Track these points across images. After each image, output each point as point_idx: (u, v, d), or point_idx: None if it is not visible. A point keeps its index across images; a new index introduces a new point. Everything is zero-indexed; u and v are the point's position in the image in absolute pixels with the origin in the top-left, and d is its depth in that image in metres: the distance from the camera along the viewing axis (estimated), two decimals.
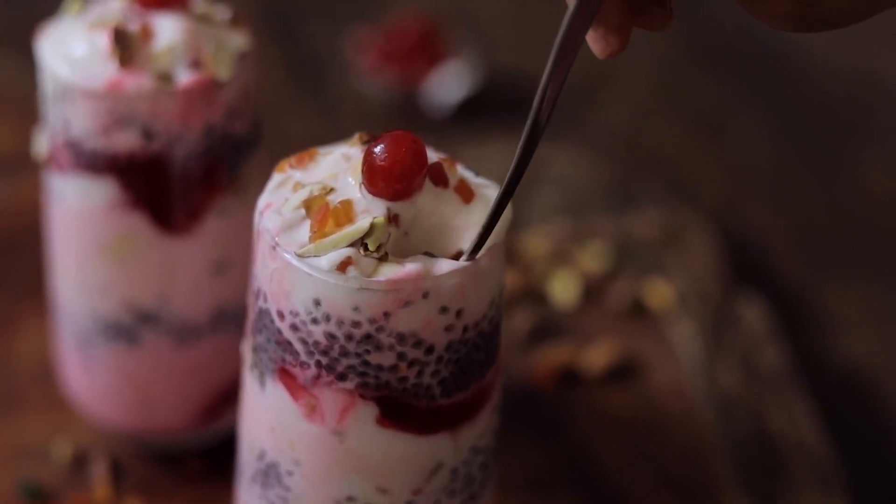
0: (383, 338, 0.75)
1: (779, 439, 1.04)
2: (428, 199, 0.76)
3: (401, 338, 0.75)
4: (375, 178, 0.75)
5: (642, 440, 1.04)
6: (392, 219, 0.75)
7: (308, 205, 0.76)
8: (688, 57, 1.52)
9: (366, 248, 0.74)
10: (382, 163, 0.74)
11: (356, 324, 0.74)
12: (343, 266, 0.73)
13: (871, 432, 1.09)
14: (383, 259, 0.74)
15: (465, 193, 0.78)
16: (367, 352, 0.75)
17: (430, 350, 0.76)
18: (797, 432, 1.04)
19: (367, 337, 0.75)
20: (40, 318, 1.08)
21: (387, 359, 0.75)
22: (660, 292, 1.14)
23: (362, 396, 0.76)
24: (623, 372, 1.09)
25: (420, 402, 0.77)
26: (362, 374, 0.76)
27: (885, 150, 1.39)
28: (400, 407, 0.77)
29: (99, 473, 0.98)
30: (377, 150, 0.74)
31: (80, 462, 1.00)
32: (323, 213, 0.75)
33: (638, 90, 1.48)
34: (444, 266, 0.74)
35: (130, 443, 1.00)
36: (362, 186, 0.76)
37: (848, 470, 1.04)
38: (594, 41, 0.72)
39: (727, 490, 1.00)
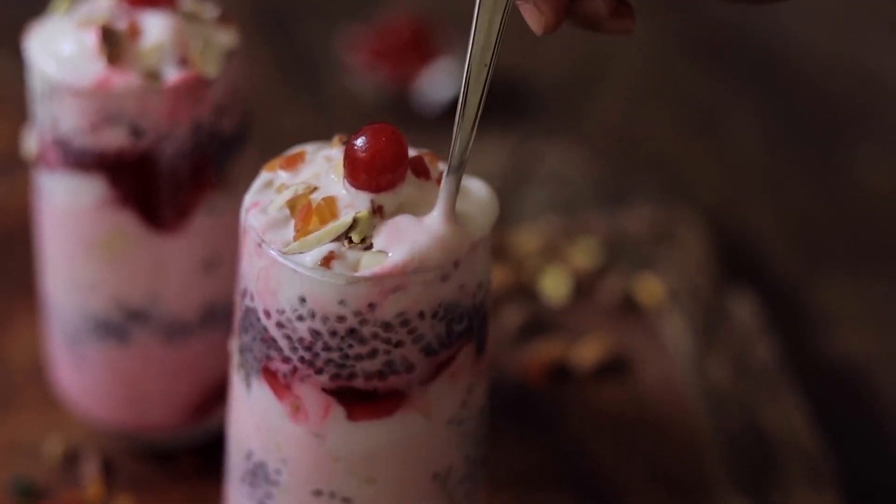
0: (366, 330, 0.75)
1: (771, 435, 1.04)
2: (411, 189, 0.77)
3: (386, 325, 0.75)
4: (357, 171, 0.75)
5: (634, 436, 1.04)
6: (377, 210, 0.75)
7: (292, 204, 0.76)
8: (682, 52, 1.52)
9: (350, 241, 0.74)
10: (364, 154, 0.75)
11: (341, 318, 0.75)
12: (327, 261, 0.74)
13: (863, 428, 1.10)
14: (368, 249, 0.74)
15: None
16: (350, 346, 0.76)
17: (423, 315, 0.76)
18: (789, 428, 1.05)
19: (351, 331, 0.75)
20: (33, 317, 1.08)
21: (368, 347, 0.76)
22: (651, 288, 1.15)
23: (334, 395, 0.77)
24: (614, 368, 1.09)
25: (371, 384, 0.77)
26: (340, 366, 0.76)
27: (880, 147, 1.39)
28: (357, 394, 0.77)
29: (90, 471, 0.99)
30: (358, 143, 0.75)
31: (71, 460, 1.00)
32: (306, 211, 0.75)
33: (632, 86, 1.48)
34: (427, 239, 0.74)
35: (122, 440, 1.01)
36: (345, 181, 0.76)
37: (840, 466, 1.04)
38: (529, 14, 0.72)
39: (719, 485, 1.00)
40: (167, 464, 1.00)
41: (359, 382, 0.77)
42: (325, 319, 0.75)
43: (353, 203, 0.75)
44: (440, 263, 0.75)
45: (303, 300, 0.75)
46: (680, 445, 1.03)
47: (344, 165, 0.76)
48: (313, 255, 0.74)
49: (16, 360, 1.07)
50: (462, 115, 0.75)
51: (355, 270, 0.74)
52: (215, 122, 0.91)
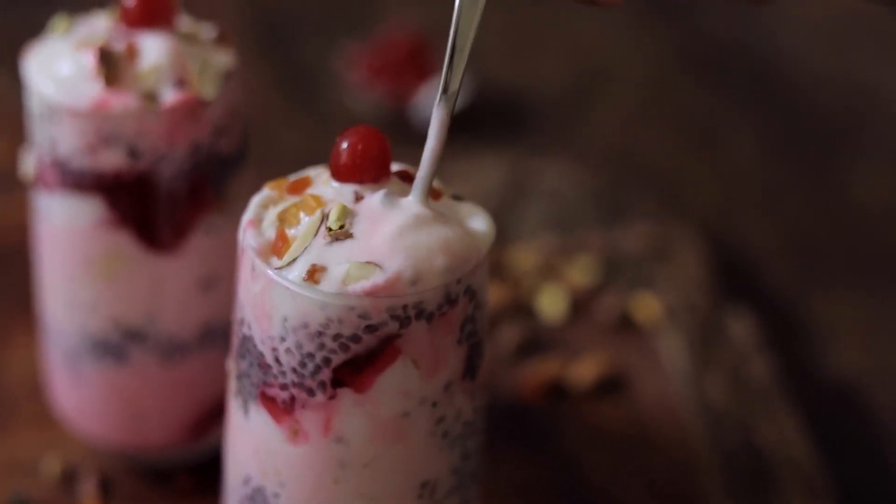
0: (357, 329, 0.76)
1: (767, 452, 1.04)
2: (395, 189, 0.78)
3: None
4: (340, 164, 0.77)
5: (631, 454, 1.04)
6: (359, 200, 0.77)
7: (282, 216, 0.77)
8: (679, 68, 1.53)
9: (329, 230, 0.75)
10: (345, 147, 0.77)
11: (332, 333, 0.75)
12: (311, 274, 0.74)
13: (860, 444, 1.10)
14: (348, 237, 0.75)
15: (433, 194, 0.79)
16: (335, 346, 0.76)
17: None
18: (786, 445, 1.05)
19: (338, 336, 0.76)
20: (31, 335, 1.08)
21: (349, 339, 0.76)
22: (648, 306, 1.15)
23: (334, 397, 0.77)
24: (611, 385, 1.09)
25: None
26: (326, 361, 0.76)
27: (876, 161, 1.40)
28: (353, 364, 0.77)
29: (88, 489, 0.99)
30: (341, 142, 0.78)
31: (69, 478, 1.00)
32: (281, 231, 0.77)
33: (629, 101, 1.48)
34: (422, 242, 0.75)
35: (119, 459, 1.01)
36: (332, 181, 0.78)
37: (836, 482, 1.04)
38: None
39: (716, 502, 1.00)
40: (164, 482, 1.00)
41: (348, 354, 0.77)
42: (313, 330, 0.75)
43: (336, 198, 0.77)
44: (444, 276, 0.75)
45: (295, 318, 0.75)
46: (677, 463, 1.03)
47: (330, 166, 0.78)
48: (299, 269, 0.75)
49: (14, 379, 1.07)
50: (454, 45, 0.76)
51: (345, 283, 0.74)
52: (213, 143, 0.92)
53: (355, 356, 0.76)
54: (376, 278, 0.74)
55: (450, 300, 0.76)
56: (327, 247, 0.75)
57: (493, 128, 1.42)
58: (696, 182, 1.37)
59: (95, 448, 1.01)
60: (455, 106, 0.77)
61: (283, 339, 0.76)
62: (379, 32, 1.48)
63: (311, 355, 0.76)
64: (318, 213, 0.76)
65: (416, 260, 0.75)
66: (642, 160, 1.39)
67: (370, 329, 0.75)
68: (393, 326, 0.75)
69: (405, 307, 0.75)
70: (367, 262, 0.74)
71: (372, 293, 0.74)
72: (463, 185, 1.26)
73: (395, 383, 0.77)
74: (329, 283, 0.74)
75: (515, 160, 1.31)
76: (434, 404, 0.79)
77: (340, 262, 0.74)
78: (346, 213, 0.76)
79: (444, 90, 0.77)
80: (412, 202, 0.77)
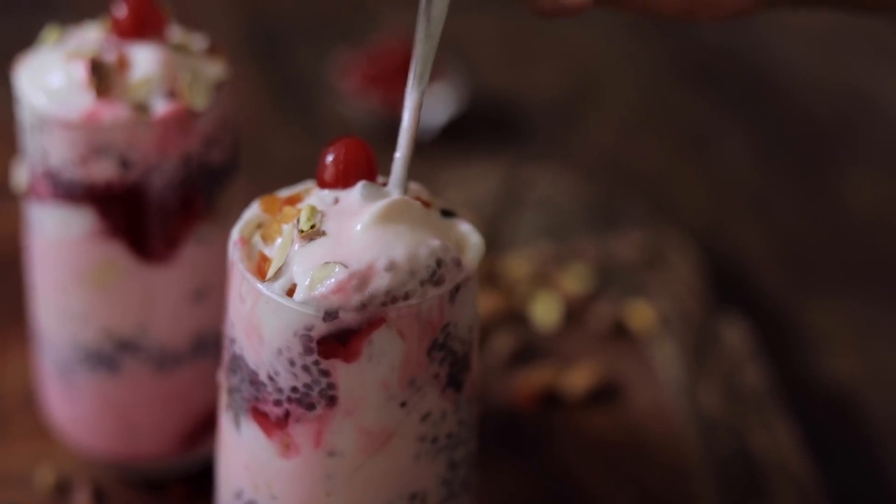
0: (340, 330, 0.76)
1: (761, 459, 1.04)
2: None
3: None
4: (325, 173, 0.78)
5: (624, 462, 1.04)
6: (338, 203, 0.77)
7: (265, 234, 0.78)
8: (672, 76, 1.53)
9: (301, 232, 0.75)
10: (330, 156, 0.78)
11: (308, 349, 0.75)
12: (291, 292, 0.75)
13: (853, 451, 1.10)
14: (321, 235, 0.75)
15: (422, 202, 0.79)
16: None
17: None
18: (779, 452, 1.05)
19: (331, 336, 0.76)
20: (25, 346, 1.08)
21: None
22: (641, 314, 1.15)
23: (332, 404, 0.77)
24: (604, 394, 1.09)
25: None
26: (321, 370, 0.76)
27: (868, 168, 1.40)
28: (342, 335, 0.76)
29: (82, 500, 0.99)
30: (326, 152, 0.79)
31: (63, 489, 1.00)
32: (261, 254, 0.77)
33: (622, 109, 1.48)
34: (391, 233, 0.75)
35: (112, 469, 1.01)
36: (318, 191, 0.78)
37: (830, 489, 1.04)
38: None
39: None
40: (158, 493, 1.00)
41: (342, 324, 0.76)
42: (300, 339, 0.75)
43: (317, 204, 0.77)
44: (428, 260, 0.75)
45: (285, 331, 0.75)
46: (670, 470, 1.03)
47: (316, 177, 0.79)
48: (282, 282, 0.75)
49: (7, 389, 1.07)
50: (427, 23, 0.77)
51: (311, 289, 0.74)
52: (204, 154, 0.92)
53: (339, 331, 0.76)
54: (339, 275, 0.74)
55: (435, 285, 0.76)
56: (303, 250, 0.75)
57: (487, 136, 1.42)
58: (689, 190, 1.37)
59: (89, 459, 1.01)
60: (425, 90, 0.78)
61: (274, 369, 0.76)
62: (372, 41, 1.48)
63: (305, 368, 0.76)
64: (290, 225, 0.76)
65: (395, 246, 0.75)
66: (635, 168, 1.40)
67: (336, 320, 0.75)
68: (374, 310, 0.75)
69: (387, 292, 0.74)
70: (327, 263, 0.74)
71: (339, 290, 0.74)
72: (457, 193, 1.26)
73: (382, 351, 0.76)
74: (301, 291, 0.74)
75: (509, 168, 1.31)
76: (403, 403, 0.78)
77: (314, 263, 0.74)
78: (315, 213, 0.76)
79: (418, 75, 0.77)
80: (390, 189, 0.77)
